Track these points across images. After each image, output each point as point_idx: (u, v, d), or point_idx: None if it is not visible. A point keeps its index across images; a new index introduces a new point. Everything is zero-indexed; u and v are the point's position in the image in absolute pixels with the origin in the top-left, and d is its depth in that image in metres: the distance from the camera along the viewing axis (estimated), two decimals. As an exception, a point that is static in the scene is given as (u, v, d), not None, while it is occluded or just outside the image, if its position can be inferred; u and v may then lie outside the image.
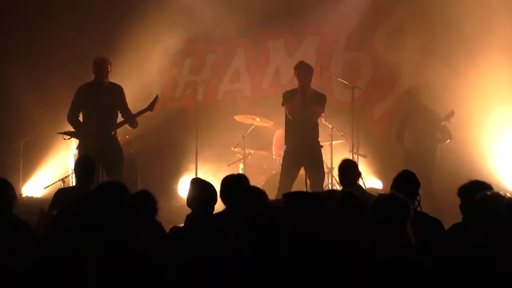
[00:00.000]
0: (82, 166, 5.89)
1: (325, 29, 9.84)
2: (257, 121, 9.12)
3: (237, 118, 9.30)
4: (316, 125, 7.77)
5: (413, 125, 8.56)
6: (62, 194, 5.75)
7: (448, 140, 8.54)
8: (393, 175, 4.96)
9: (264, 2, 9.83)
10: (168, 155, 10.18)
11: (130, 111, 7.68)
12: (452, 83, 8.81)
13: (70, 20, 10.19)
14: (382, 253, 2.77)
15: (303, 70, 7.59)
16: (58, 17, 10.11)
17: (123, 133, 9.26)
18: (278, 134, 9.06)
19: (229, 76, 10.49)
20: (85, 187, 5.66)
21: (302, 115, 7.55)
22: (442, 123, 8.37)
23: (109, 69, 7.55)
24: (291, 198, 3.78)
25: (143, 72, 10.27)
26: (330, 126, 8.57)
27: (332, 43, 9.96)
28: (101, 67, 7.52)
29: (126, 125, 7.74)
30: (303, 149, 7.60)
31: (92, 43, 10.00)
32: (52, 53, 10.18)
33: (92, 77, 7.62)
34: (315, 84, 8.15)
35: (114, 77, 7.88)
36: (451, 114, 8.24)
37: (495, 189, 4.13)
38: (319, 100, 7.66)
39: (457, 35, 8.86)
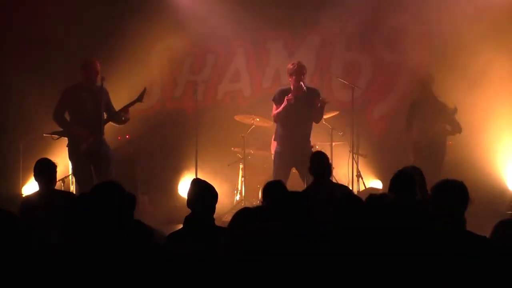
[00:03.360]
0: (44, 169, 5.67)
1: (325, 29, 9.83)
2: (257, 121, 9.13)
3: (237, 118, 9.31)
4: (309, 125, 7.79)
5: (420, 115, 8.35)
6: (27, 204, 5.54)
7: (459, 134, 8.34)
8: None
9: (265, 2, 9.84)
10: (168, 155, 10.18)
11: (115, 110, 7.76)
12: (452, 83, 8.81)
13: (70, 20, 10.19)
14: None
15: (298, 72, 7.63)
16: (58, 17, 10.10)
17: (123, 133, 9.28)
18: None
19: (229, 76, 10.49)
20: (48, 191, 5.57)
21: (294, 115, 7.63)
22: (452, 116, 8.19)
23: (99, 71, 7.62)
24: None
25: (143, 72, 10.26)
26: (330, 126, 8.57)
27: (332, 43, 9.95)
28: (92, 68, 7.58)
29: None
30: (292, 150, 7.65)
31: (93, 43, 10.01)
32: (52, 52, 10.18)
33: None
34: (315, 84, 8.16)
35: (114, 77, 7.90)
36: (454, 111, 8.10)
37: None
38: (315, 105, 7.69)
39: (458, 34, 8.86)
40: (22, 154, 9.65)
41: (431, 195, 3.89)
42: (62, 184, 8.16)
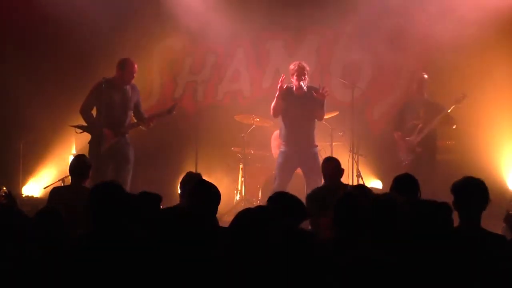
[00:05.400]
0: (78, 165, 5.95)
1: (325, 29, 9.83)
2: (257, 121, 9.13)
3: (237, 118, 9.31)
4: (312, 125, 7.80)
5: (414, 115, 8.46)
6: (57, 193, 5.84)
7: (454, 126, 8.46)
8: (393, 175, 4.97)
9: (264, 2, 9.83)
10: (168, 155, 10.17)
11: (143, 112, 7.80)
12: (453, 83, 8.81)
13: (70, 20, 10.17)
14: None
15: (299, 72, 7.64)
16: (58, 17, 10.09)
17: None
18: (276, 135, 9.07)
19: (229, 76, 10.49)
20: (80, 185, 5.81)
21: (297, 115, 7.63)
22: (449, 110, 8.26)
23: (135, 74, 7.76)
24: (274, 200, 3.88)
25: (143, 72, 10.24)
26: (330, 126, 8.57)
27: (332, 43, 9.96)
28: (132, 70, 7.60)
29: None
30: (297, 150, 7.64)
31: (93, 42, 10.00)
32: (52, 52, 10.16)
33: (108, 73, 7.71)
34: (315, 84, 8.14)
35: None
36: (463, 97, 8.16)
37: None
38: (317, 103, 7.68)
39: (459, 35, 8.85)
40: (22, 154, 9.64)
41: (451, 192, 3.89)
42: (62, 183, 8.14)
